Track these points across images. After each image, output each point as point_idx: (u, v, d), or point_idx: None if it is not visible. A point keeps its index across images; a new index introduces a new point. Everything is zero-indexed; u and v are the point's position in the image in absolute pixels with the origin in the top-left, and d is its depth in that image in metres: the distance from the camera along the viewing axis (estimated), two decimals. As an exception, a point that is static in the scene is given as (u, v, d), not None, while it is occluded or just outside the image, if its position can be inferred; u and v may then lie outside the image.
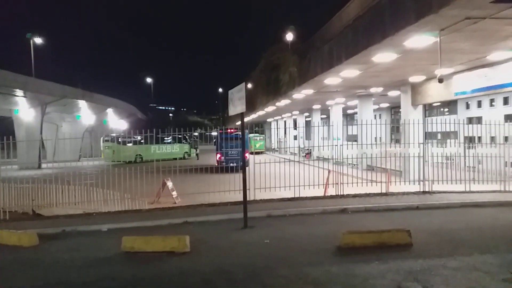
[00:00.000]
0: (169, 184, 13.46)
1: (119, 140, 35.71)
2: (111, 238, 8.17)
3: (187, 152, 39.53)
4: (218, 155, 26.55)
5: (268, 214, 10.13)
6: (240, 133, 33.98)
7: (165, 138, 34.36)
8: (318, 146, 20.42)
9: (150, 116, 77.05)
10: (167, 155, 26.06)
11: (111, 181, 12.09)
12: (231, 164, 17.31)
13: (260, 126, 58.57)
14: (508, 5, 9.94)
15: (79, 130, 43.57)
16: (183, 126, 15.14)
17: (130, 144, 35.69)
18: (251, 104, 41.48)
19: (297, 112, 43.23)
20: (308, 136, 42.93)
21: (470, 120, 28.89)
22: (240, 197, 9.54)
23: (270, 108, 37.70)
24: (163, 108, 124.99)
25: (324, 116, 43.33)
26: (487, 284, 4.98)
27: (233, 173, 12.05)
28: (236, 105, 9.12)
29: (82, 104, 40.12)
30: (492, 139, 24.26)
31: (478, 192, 12.35)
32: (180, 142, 38.53)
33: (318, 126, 29.94)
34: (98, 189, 12.23)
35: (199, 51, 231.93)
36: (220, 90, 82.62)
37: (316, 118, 39.21)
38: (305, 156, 34.98)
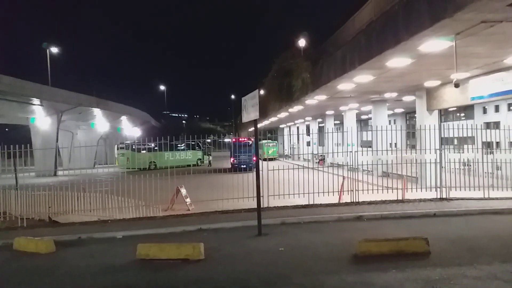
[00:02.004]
0: (183, 191, 13.51)
1: (133, 147, 36.08)
2: (126, 245, 8.21)
3: (200, 158, 39.70)
4: (232, 159, 32.25)
5: (282, 221, 10.07)
6: (249, 140, 37.14)
7: (179, 145, 34.60)
8: (332, 152, 20.22)
9: (163, 123, 77.87)
10: (180, 162, 26.23)
11: (126, 188, 12.19)
12: (242, 166, 26.42)
13: (273, 133, 58.58)
14: (526, 8, 9.76)
15: (94, 137, 44.23)
16: (196, 133, 15.22)
17: (144, 151, 36.01)
18: (264, 110, 41.51)
19: (310, 118, 43.07)
20: (321, 142, 42.68)
21: (487, 125, 28.31)
22: (254, 204, 9.51)
23: (282, 114, 37.65)
24: (177, 115, 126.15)
25: (338, 121, 43.07)
26: (510, 295, 4.83)
27: (246, 177, 11.96)
28: (250, 112, 9.12)
29: (97, 112, 40.74)
30: (511, 144, 23.77)
31: (497, 199, 12.06)
32: (193, 149, 38.76)
33: (332, 132, 29.65)
34: (113, 196, 12.34)
35: (212, 58, 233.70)
36: (233, 96, 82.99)
37: (329, 124, 38.97)
38: (318, 162, 34.77)
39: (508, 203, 11.31)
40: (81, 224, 10.93)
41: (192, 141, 27.22)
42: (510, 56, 15.63)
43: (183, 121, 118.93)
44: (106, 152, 48.69)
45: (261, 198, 9.60)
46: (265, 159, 29.30)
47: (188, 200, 13.46)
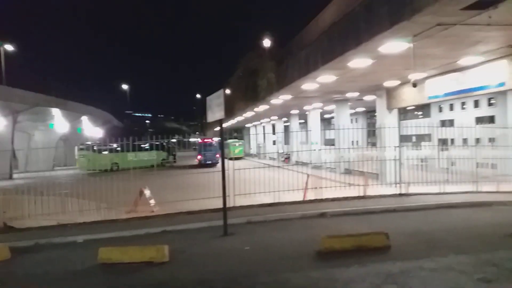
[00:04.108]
0: (147, 192, 13.22)
1: (94, 148, 34.94)
2: (87, 250, 7.93)
3: (164, 159, 39.01)
4: (199, 156, 37.45)
5: (248, 220, 10.09)
6: (213, 140, 39.90)
7: (142, 145, 33.87)
8: (297, 151, 20.45)
9: (126, 123, 75.85)
10: (144, 163, 25.62)
11: (87, 191, 11.78)
12: (208, 162, 33.41)
13: (239, 132, 58.56)
14: (477, 12, 10.32)
15: (53, 138, 42.35)
16: (161, 133, 14.94)
17: (106, 152, 34.95)
18: (230, 110, 41.43)
19: (275, 117, 43.45)
20: (287, 141, 43.17)
21: (443, 123, 29.72)
22: (220, 204, 9.47)
23: (248, 114, 37.76)
24: (140, 115, 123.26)
25: (303, 121, 43.73)
26: (463, 284, 5.09)
27: (212, 177, 11.87)
28: (215, 111, 9.07)
29: (56, 112, 39.07)
30: (464, 141, 25.07)
31: (452, 193, 12.67)
32: (157, 149, 38.04)
33: (297, 131, 30.10)
34: (72, 199, 11.89)
35: (176, 57, 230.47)
36: (198, 96, 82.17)
37: (295, 123, 39.48)
38: (284, 161, 35.17)
39: (462, 197, 11.92)
40: (39, 229, 10.44)
41: (156, 141, 26.79)
42: (463, 57, 16.46)
43: (147, 121, 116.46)
44: (66, 153, 46.82)
45: (227, 197, 9.57)
46: (231, 159, 29.30)
47: (152, 201, 13.18)
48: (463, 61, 16.98)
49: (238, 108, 36.28)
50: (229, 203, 10.59)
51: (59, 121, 41.70)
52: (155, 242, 7.77)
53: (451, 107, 29.22)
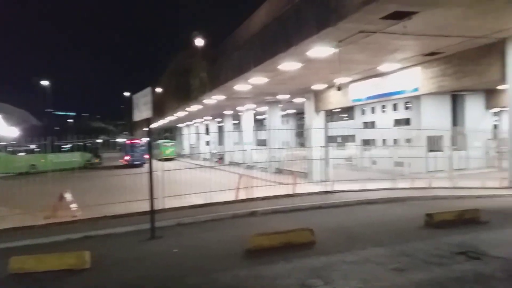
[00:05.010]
0: (68, 196, 12.35)
1: (8, 149, 31.92)
2: (-3, 260, 7.19)
3: (89, 160, 36.76)
4: (127, 157, 36.84)
5: (178, 222, 9.89)
6: (141, 141, 39.50)
7: (64, 146, 31.59)
8: (230, 151, 20.51)
9: (46, 123, 70.18)
10: (66, 165, 23.84)
11: (-2, 195, 10.71)
12: (136, 163, 32.83)
13: (170, 132, 57.18)
14: (395, 22, 11.19)
15: (-42, 138, 37.89)
16: (85, 133, 14.06)
17: (23, 154, 32.06)
18: (161, 109, 40.35)
19: (209, 118, 43.17)
20: (220, 141, 43.11)
21: (365, 125, 31.74)
22: (148, 207, 9.14)
23: (181, 113, 37.07)
24: (62, 113, 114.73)
25: (236, 121, 44.01)
26: (379, 274, 5.46)
27: (139, 179, 11.45)
28: (142, 110, 8.75)
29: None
30: (384, 141, 27.01)
31: (372, 190, 13.57)
32: (81, 150, 35.73)
33: (230, 131, 30.17)
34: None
35: (104, 54, 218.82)
36: (127, 94, 78.66)
37: (228, 124, 39.58)
38: (217, 161, 35.09)
39: (381, 194, 12.83)
40: None
41: (79, 142, 25.19)
42: (383, 63, 17.75)
43: (70, 120, 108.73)
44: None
45: (156, 199, 9.29)
46: (162, 159, 28.54)
47: (73, 205, 12.35)
48: (383, 67, 18.34)
49: (170, 108, 35.46)
50: (158, 205, 10.30)
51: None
52: (76, 248, 7.27)
53: (373, 110, 31.30)
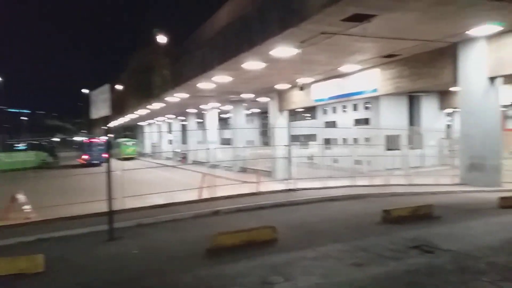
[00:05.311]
0: (20, 197, 11.75)
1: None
2: None
3: (44, 160, 35.15)
4: (86, 156, 36.46)
5: (138, 223, 9.65)
6: (99, 139, 39.09)
7: (17, 145, 30.03)
8: (194, 150, 20.34)
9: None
10: (19, 164, 22.61)
11: None
12: (94, 162, 32.71)
13: (131, 130, 55.72)
14: (355, 24, 11.52)
15: None
16: (41, 131, 13.42)
17: (-30, 153, 30.15)
18: (121, 107, 39.25)
19: (172, 116, 42.50)
20: (183, 140, 42.54)
21: (327, 124, 32.43)
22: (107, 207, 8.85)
23: (142, 112, 36.25)
24: (15, 111, 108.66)
25: (200, 120, 43.62)
26: (339, 269, 5.59)
27: (98, 179, 11.07)
28: (100, 107, 8.45)
29: None
30: (345, 140, 27.71)
31: (333, 187, 13.90)
32: (36, 149, 34.11)
33: (194, 130, 29.85)
34: None
35: (63, 49, 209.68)
36: (86, 91, 75.79)
37: (192, 122, 39.15)
38: (180, 160, 34.59)
39: (341, 191, 13.16)
40: None
41: (33, 140, 24.05)
42: (344, 65, 18.22)
43: (24, 118, 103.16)
44: None
45: (115, 200, 9.03)
46: (123, 159, 27.72)
47: (27, 207, 11.76)
48: (344, 68, 18.82)
49: (131, 105, 34.58)
50: (117, 206, 9.99)
51: None
52: (29, 252, 6.92)
53: (334, 110, 32.03)
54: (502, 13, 11.19)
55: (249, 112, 41.04)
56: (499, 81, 14.14)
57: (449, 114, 31.46)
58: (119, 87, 40.10)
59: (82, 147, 39.26)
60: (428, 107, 28.19)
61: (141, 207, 11.41)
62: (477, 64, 14.03)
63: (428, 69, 16.00)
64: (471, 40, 13.88)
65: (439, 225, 8.09)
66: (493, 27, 12.47)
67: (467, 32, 12.94)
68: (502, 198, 9.94)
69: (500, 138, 14.54)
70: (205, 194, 12.97)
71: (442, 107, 29.09)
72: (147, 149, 51.92)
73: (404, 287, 4.83)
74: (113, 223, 8.34)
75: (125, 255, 7.06)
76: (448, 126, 31.31)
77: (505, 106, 28.50)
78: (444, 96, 28.25)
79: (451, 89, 24.33)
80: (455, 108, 26.67)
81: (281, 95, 24.93)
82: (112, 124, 52.29)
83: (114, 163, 10.99)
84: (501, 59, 13.42)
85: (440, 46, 14.81)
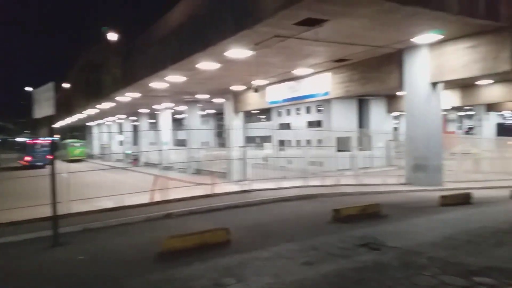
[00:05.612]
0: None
1: None
2: None
3: None
4: (29, 158, 35.05)
5: (85, 227, 9.21)
6: (43, 140, 37.32)
7: None
8: (146, 152, 19.84)
9: None
10: None
11: None
12: (38, 164, 31.57)
13: (80, 131, 53.21)
14: (307, 28, 11.79)
15: None
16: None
17: None
18: (68, 106, 37.40)
19: (123, 116, 41.09)
20: (135, 141, 41.29)
21: (281, 126, 32.95)
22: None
23: (91, 111, 34.74)
24: None
25: (153, 120, 42.58)
26: (290, 269, 5.67)
27: (43, 182, 10.45)
28: (43, 106, 7.98)
29: None
30: (298, 142, 28.27)
31: (287, 188, 14.11)
32: None
33: (146, 131, 29.12)
34: None
35: (2, 44, 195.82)
36: (30, 89, 71.40)
37: (144, 123, 38.11)
38: (132, 162, 33.54)
39: (294, 191, 13.39)
40: None
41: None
42: (297, 68, 18.58)
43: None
44: None
45: (60, 204, 8.57)
46: (70, 161, 26.48)
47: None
48: (297, 71, 19.20)
49: (79, 105, 33.05)
50: (63, 210, 9.49)
51: None
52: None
53: (288, 112, 32.63)
54: (442, 22, 11.97)
55: (204, 113, 40.68)
56: (440, 86, 15.09)
57: (395, 117, 33.14)
58: (66, 85, 38.20)
59: (24, 149, 36.99)
60: (376, 111, 29.50)
61: (89, 211, 10.90)
62: (420, 70, 14.88)
63: (376, 74, 16.74)
64: (415, 47, 14.70)
65: (385, 223, 8.47)
66: (434, 36, 13.29)
67: (411, 39, 13.69)
68: (443, 197, 10.61)
69: (441, 140, 15.51)
70: (157, 197, 12.66)
71: (389, 110, 30.58)
72: (97, 150, 49.83)
73: (353, 283, 4.99)
74: (58, 228, 7.90)
75: (70, 262, 6.71)
76: (395, 128, 32.97)
77: (446, 110, 30.51)
78: (391, 100, 29.72)
79: (398, 93, 25.65)
80: (401, 111, 28.14)
81: (236, 97, 24.95)
82: (59, 124, 49.72)
83: (60, 165, 10.41)
84: (441, 65, 14.33)
85: (388, 52, 15.54)
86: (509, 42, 12.12)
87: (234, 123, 24.50)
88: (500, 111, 37.65)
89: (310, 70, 18.91)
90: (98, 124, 49.88)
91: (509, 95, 25.84)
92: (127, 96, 24.76)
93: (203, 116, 39.34)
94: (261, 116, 38.23)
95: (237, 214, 10.41)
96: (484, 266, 5.35)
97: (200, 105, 30.32)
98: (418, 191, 13.86)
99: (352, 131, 24.39)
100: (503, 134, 30.81)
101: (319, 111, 28.80)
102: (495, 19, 11.88)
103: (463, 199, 10.73)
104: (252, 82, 19.28)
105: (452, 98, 26.55)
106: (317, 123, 28.59)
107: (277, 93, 22.15)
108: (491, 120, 33.75)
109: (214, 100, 28.55)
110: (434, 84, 14.86)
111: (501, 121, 45.25)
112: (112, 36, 23.84)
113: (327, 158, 20.53)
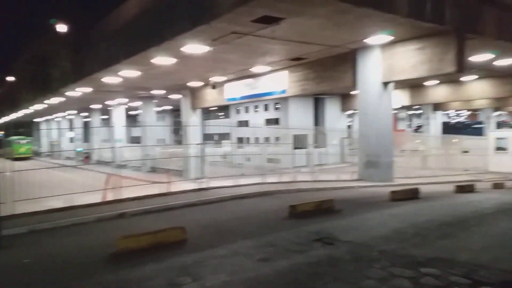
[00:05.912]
0: None
1: None
2: None
3: None
4: None
5: (31, 229, 8.69)
6: None
7: None
8: (98, 149, 19.13)
9: None
10: None
11: None
12: None
13: (26, 127, 50.21)
14: (264, 26, 11.85)
15: None
16: None
17: None
18: (13, 101, 35.19)
19: (73, 112, 39.24)
20: (87, 138, 39.60)
21: (240, 123, 32.99)
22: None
23: (39, 107, 32.86)
24: None
25: (106, 116, 41.02)
26: (247, 265, 5.68)
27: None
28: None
29: None
30: (256, 139, 28.44)
31: (244, 185, 14.13)
32: None
33: (99, 127, 28.09)
34: None
35: None
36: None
37: (96, 119, 36.62)
38: (83, 160, 32.16)
39: (252, 188, 13.44)
40: None
41: None
42: (255, 65, 18.65)
43: None
44: None
45: (3, 204, 8.04)
46: (15, 159, 25.04)
47: None
48: (255, 69, 19.27)
49: (25, 100, 31.14)
50: (7, 211, 8.91)
51: None
52: None
53: (247, 110, 32.74)
54: (392, 24, 12.49)
55: (160, 109, 39.76)
56: (391, 86, 15.75)
57: (349, 116, 34.22)
58: (11, 79, 35.90)
59: None
60: (331, 109, 30.32)
61: (36, 212, 10.30)
62: (373, 70, 15.45)
63: (331, 73, 17.18)
64: (368, 47, 15.23)
65: (339, 218, 8.72)
66: (386, 37, 13.85)
67: (365, 40, 14.17)
68: (393, 192, 11.10)
69: (392, 138, 16.22)
70: (110, 196, 12.22)
71: (344, 109, 31.55)
72: (45, 148, 47.25)
73: (306, 278, 5.09)
74: (0, 230, 7.40)
75: (14, 266, 6.30)
76: (349, 126, 34.04)
77: (396, 109, 31.96)
78: (346, 99, 30.67)
79: (351, 92, 26.50)
80: (355, 110, 29.10)
81: (193, 93, 24.60)
82: (2, 120, 46.65)
83: (4, 163, 9.76)
84: (392, 66, 14.96)
85: (342, 52, 15.99)
86: (453, 45, 12.87)
87: (192, 119, 24.16)
88: (445, 111, 40.14)
89: (268, 68, 19.05)
90: (47, 120, 47.30)
91: (454, 95, 27.58)
92: (78, 91, 23.66)
93: (159, 112, 38.45)
94: (219, 113, 38.05)
95: (194, 212, 10.27)
96: (430, 257, 5.65)
97: (156, 101, 29.61)
98: (370, 187, 14.41)
99: (308, 129, 24.89)
100: (448, 132, 32.84)
101: (276, 109, 29.14)
102: (441, 22, 12.58)
103: (411, 194, 11.28)
104: (210, 79, 19.16)
105: (402, 98, 27.89)
106: (275, 121, 28.92)
107: (235, 90, 22.10)
108: (438, 119, 35.84)
109: (170, 96, 27.99)
110: (386, 84, 15.49)
111: (446, 120, 48.18)
112: (62, 28, 22.63)
113: (284, 155, 20.82)
